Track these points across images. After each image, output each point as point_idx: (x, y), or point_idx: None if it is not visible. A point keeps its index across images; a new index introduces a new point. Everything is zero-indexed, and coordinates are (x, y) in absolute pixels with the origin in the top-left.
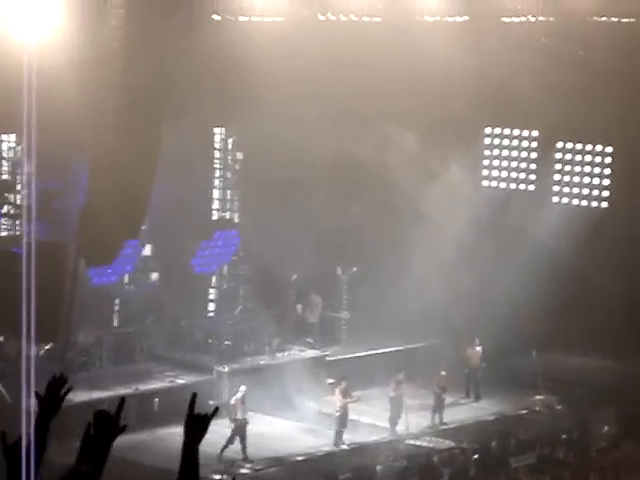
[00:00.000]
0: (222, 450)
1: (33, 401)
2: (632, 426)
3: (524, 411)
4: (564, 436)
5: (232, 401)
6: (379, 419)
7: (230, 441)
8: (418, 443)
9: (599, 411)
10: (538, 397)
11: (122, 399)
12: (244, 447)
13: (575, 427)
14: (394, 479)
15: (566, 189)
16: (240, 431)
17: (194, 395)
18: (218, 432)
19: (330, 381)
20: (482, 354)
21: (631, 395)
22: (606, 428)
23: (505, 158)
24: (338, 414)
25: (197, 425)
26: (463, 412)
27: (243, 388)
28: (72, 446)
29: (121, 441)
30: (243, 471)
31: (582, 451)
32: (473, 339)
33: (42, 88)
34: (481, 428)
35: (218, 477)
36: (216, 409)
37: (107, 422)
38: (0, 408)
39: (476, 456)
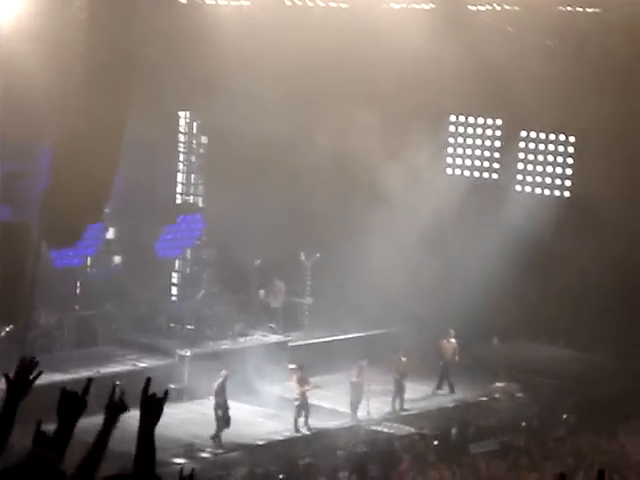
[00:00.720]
0: (216, 436)
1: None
2: (591, 415)
3: (484, 398)
4: (524, 424)
5: (214, 386)
6: (340, 404)
7: (219, 426)
8: (379, 429)
9: (559, 399)
10: (499, 384)
11: (89, 380)
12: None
13: (535, 415)
14: (354, 464)
15: (529, 178)
16: (225, 415)
17: (148, 379)
18: (175, 415)
19: (292, 366)
20: (457, 347)
21: (592, 384)
22: (565, 416)
23: (469, 146)
24: (297, 402)
25: (151, 408)
26: (424, 399)
27: (224, 373)
28: (32, 429)
29: (81, 424)
30: (203, 455)
31: (541, 439)
32: (448, 331)
33: (5, 69)
34: (441, 415)
35: (178, 461)
36: (166, 392)
37: (73, 401)
38: None
39: (436, 442)
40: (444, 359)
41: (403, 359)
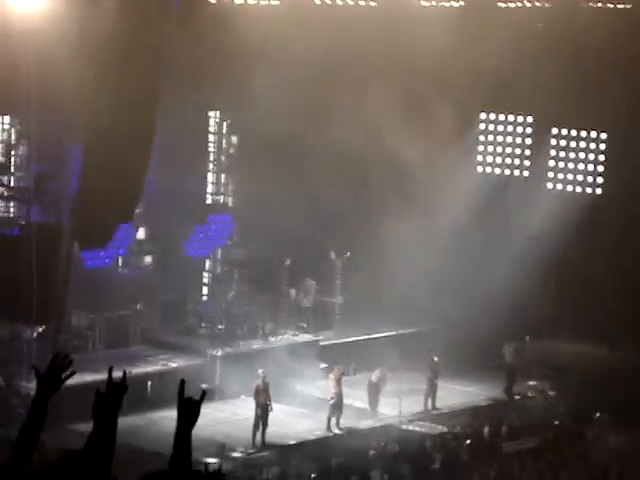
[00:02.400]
0: (254, 435)
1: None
2: (624, 413)
3: (517, 397)
4: (556, 422)
5: (254, 386)
6: None
7: (256, 426)
8: (411, 428)
9: (592, 398)
10: (531, 383)
11: (124, 372)
12: (264, 431)
13: (568, 413)
14: (386, 464)
15: (560, 175)
16: (263, 415)
17: (182, 381)
18: (206, 415)
19: (323, 365)
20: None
21: (623, 381)
22: (598, 414)
23: (500, 144)
24: (332, 401)
25: (189, 410)
26: (456, 398)
27: (261, 371)
28: (64, 429)
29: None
30: (235, 455)
31: (574, 437)
32: (521, 337)
33: (38, 71)
34: (474, 414)
35: (210, 460)
36: (204, 393)
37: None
38: None
39: (468, 441)
40: (505, 362)
41: (435, 358)
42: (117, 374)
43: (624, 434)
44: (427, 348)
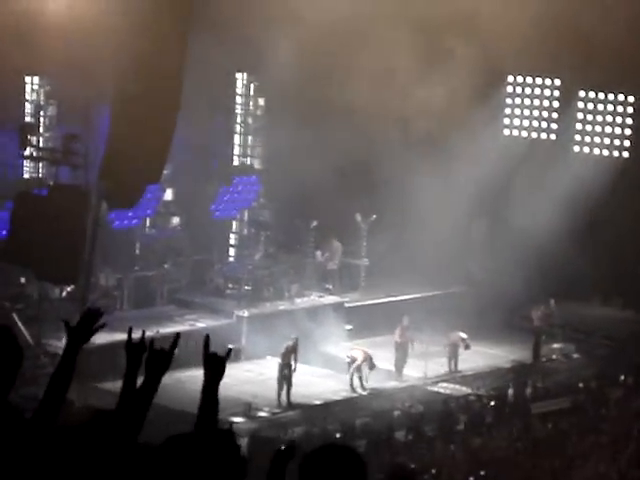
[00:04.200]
0: (279, 395)
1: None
2: None
3: (542, 359)
4: (581, 385)
5: (282, 348)
6: None
7: (280, 386)
8: (435, 389)
9: (616, 360)
10: (556, 345)
11: (177, 334)
12: (289, 391)
13: (592, 376)
14: (411, 425)
15: (587, 138)
16: (289, 375)
17: (207, 337)
18: (233, 375)
19: (348, 327)
20: (548, 317)
21: None
22: (622, 377)
23: (527, 107)
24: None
25: (214, 365)
26: (480, 359)
27: (294, 336)
28: (92, 388)
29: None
30: (261, 414)
31: (599, 400)
32: (547, 300)
33: (67, 32)
34: (498, 375)
35: (237, 420)
36: (229, 350)
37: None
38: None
39: (492, 403)
40: (534, 326)
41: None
42: (146, 334)
43: None
44: (451, 310)
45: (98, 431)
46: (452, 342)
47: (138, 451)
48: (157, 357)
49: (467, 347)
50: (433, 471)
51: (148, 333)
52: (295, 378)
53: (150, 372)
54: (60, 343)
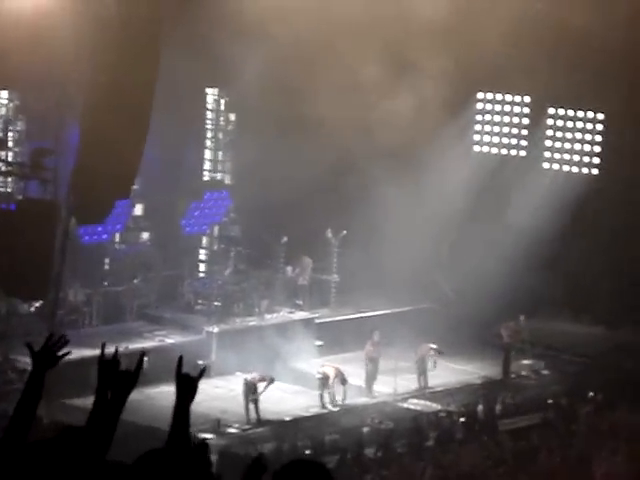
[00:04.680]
0: (247, 412)
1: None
2: (619, 392)
3: (511, 375)
4: (550, 401)
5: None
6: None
7: (247, 403)
8: (405, 406)
9: (586, 377)
10: (525, 362)
11: (142, 353)
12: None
13: (561, 392)
14: (380, 441)
15: (557, 155)
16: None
17: (180, 358)
18: (202, 391)
19: (319, 343)
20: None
21: (618, 361)
22: (591, 394)
23: (497, 123)
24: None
25: (186, 386)
26: (451, 376)
27: (271, 377)
28: (60, 404)
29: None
30: (231, 430)
31: (569, 416)
32: (517, 316)
33: (36, 45)
34: (468, 392)
35: (206, 436)
36: (203, 369)
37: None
38: None
39: (463, 419)
40: (504, 342)
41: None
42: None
43: (618, 413)
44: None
45: (66, 447)
46: (421, 356)
47: (108, 468)
48: (122, 378)
49: (440, 352)
50: None
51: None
52: (265, 394)
53: (115, 392)
54: (29, 359)
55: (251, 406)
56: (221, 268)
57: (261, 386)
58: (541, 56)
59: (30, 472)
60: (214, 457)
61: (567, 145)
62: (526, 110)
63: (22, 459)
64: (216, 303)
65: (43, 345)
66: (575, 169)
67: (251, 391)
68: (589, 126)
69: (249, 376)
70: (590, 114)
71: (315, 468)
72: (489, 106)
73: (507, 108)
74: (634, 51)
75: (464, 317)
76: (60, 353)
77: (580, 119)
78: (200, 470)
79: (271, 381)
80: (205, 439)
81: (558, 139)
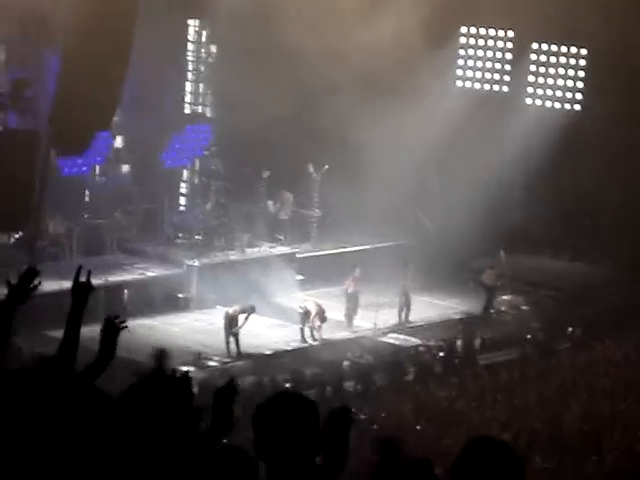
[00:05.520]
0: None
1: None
2: (597, 328)
3: (491, 311)
4: (529, 336)
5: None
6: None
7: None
8: (385, 340)
9: (564, 312)
10: (504, 297)
11: (88, 271)
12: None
13: (540, 328)
14: (360, 375)
15: (540, 91)
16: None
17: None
18: (183, 324)
19: (299, 277)
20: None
21: (598, 297)
22: (570, 329)
23: (480, 58)
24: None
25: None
26: (429, 311)
27: (251, 304)
28: (41, 335)
29: (88, 332)
30: (211, 364)
31: (546, 351)
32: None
33: None
34: (447, 327)
35: (186, 369)
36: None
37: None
38: None
39: (441, 354)
40: (487, 285)
41: (410, 272)
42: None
43: (596, 349)
44: (403, 262)
45: (42, 376)
46: (403, 289)
47: (93, 399)
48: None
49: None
50: (381, 420)
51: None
52: (245, 328)
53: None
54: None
55: (231, 339)
56: (202, 202)
57: (241, 318)
58: None
59: (5, 402)
60: (195, 390)
61: (550, 81)
62: (509, 45)
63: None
64: (197, 237)
65: (18, 280)
66: (558, 105)
67: (232, 324)
68: (572, 61)
69: (230, 309)
70: (573, 49)
71: (300, 400)
72: (472, 41)
73: (490, 43)
74: None
75: (445, 252)
76: (30, 286)
77: (563, 54)
78: (182, 402)
79: (252, 310)
80: (187, 372)
81: (541, 74)
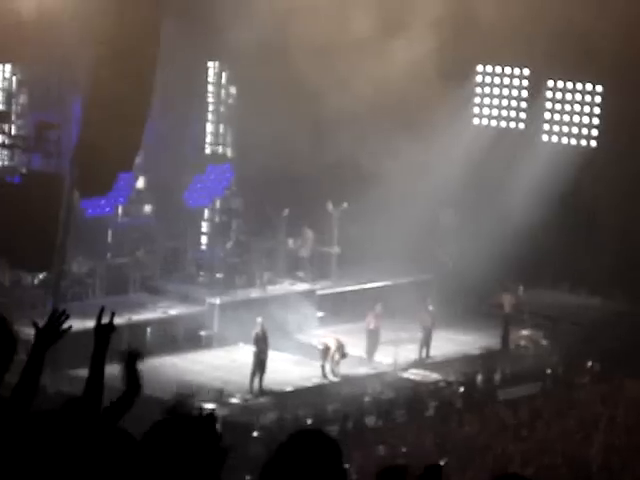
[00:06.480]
0: (251, 382)
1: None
2: (615, 362)
3: (510, 346)
4: (549, 371)
5: (253, 334)
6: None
7: (254, 373)
8: (405, 376)
9: (584, 347)
10: (524, 332)
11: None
12: (261, 378)
13: (560, 362)
14: (381, 410)
15: (556, 128)
16: (261, 362)
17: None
18: (205, 362)
19: (320, 314)
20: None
21: (615, 331)
22: (590, 363)
23: (496, 96)
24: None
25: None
26: (450, 346)
27: (259, 320)
28: (65, 375)
29: (113, 370)
30: (233, 400)
31: (566, 386)
32: (515, 286)
33: (39, 19)
34: (467, 362)
35: (209, 406)
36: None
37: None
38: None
39: (462, 389)
40: (503, 313)
41: (430, 307)
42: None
43: (614, 383)
44: (422, 297)
45: (69, 417)
46: (424, 325)
47: (116, 439)
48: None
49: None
50: (403, 457)
51: (120, 321)
52: (267, 365)
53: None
54: (31, 330)
55: (256, 378)
56: (223, 240)
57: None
58: (540, 28)
59: (33, 442)
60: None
61: (566, 117)
62: (525, 83)
63: (25, 429)
64: (218, 275)
65: (46, 322)
66: (574, 141)
67: (261, 366)
68: (587, 98)
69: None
70: (589, 86)
71: (322, 438)
72: (488, 79)
73: (506, 81)
74: (633, 23)
75: (463, 288)
76: (62, 329)
77: (579, 91)
78: (209, 442)
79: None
80: (212, 410)
81: (557, 111)
